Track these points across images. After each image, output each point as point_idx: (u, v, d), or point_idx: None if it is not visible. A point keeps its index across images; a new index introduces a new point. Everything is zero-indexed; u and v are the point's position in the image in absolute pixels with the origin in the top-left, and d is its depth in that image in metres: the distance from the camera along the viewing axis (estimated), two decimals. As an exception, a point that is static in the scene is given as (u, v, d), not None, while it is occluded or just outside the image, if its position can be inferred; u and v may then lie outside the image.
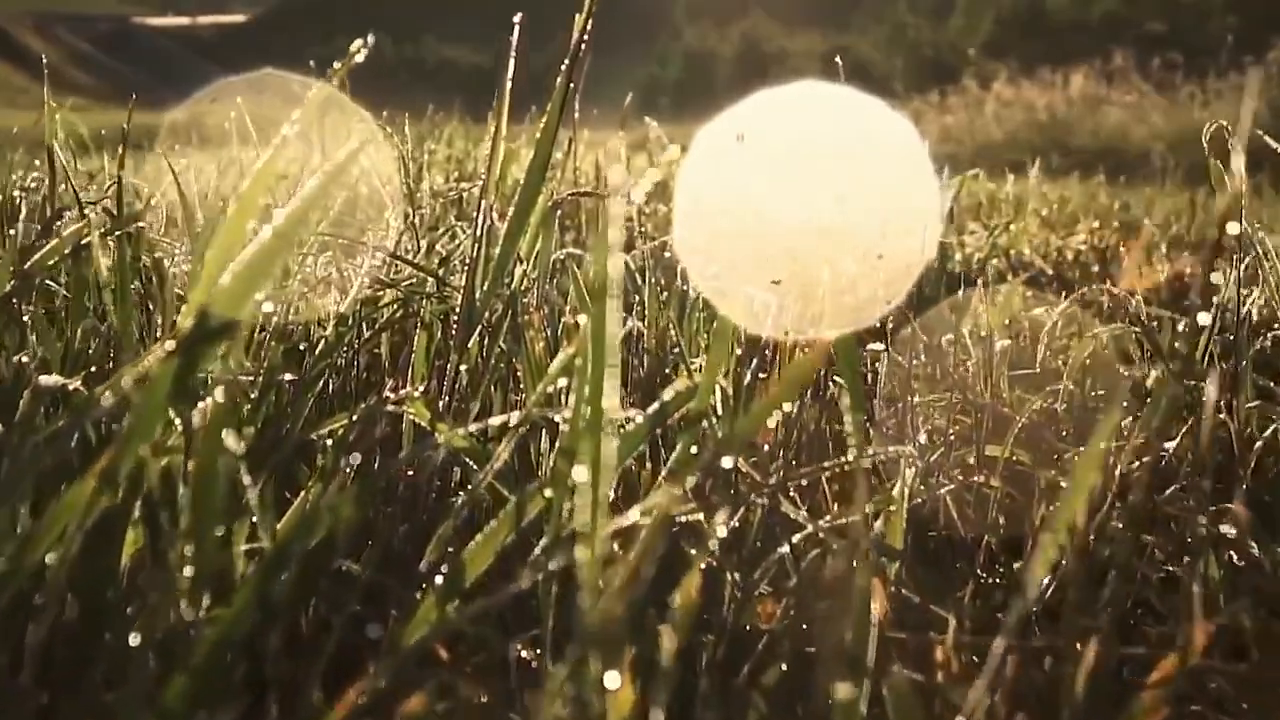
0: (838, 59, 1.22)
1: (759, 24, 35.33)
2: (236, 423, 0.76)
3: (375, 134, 1.89)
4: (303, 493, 0.60)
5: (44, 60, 1.35)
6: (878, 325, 1.39)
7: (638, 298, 1.10)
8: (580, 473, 0.41)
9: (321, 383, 0.93)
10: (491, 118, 0.76)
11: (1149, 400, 0.94)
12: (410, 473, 0.75)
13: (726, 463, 0.50)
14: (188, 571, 0.45)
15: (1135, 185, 6.40)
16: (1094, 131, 13.69)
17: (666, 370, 1.04)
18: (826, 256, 1.26)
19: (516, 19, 0.71)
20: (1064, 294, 2.05)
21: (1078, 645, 0.48)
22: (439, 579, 0.52)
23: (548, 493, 0.53)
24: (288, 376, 0.73)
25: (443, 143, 3.55)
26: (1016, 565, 0.84)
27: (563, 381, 0.59)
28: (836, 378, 1.14)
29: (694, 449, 0.52)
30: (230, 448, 0.48)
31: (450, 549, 0.67)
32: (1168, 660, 0.50)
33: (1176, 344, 1.56)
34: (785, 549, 0.62)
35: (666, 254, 1.44)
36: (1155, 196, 4.63)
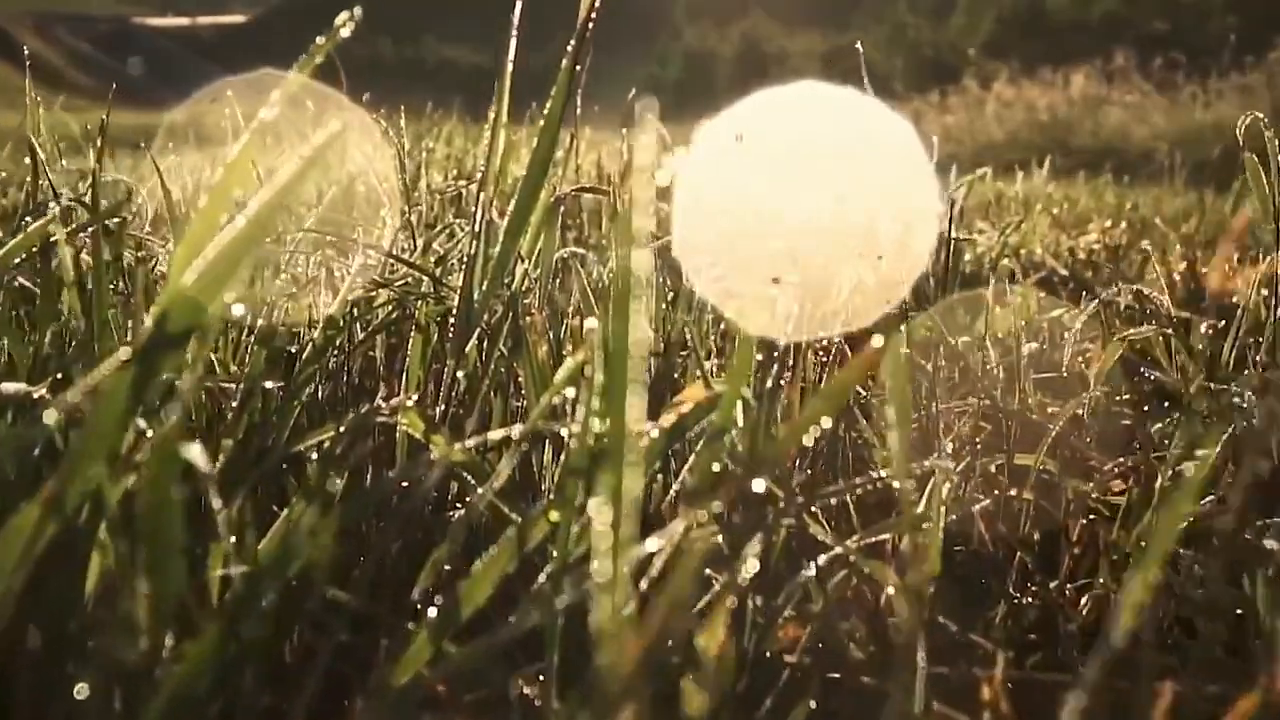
0: (858, 46, 1.16)
1: (759, 24, 35.25)
2: (214, 436, 0.70)
3: (371, 129, 1.84)
4: (284, 513, 0.55)
5: (25, 50, 1.30)
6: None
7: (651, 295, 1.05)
8: (598, 508, 0.35)
9: (310, 390, 0.88)
10: (492, 109, 0.71)
11: (1187, 410, 0.89)
12: (405, 484, 0.70)
13: (757, 486, 0.45)
14: (149, 605, 0.40)
15: (1139, 185, 6.35)
16: (1094, 132, 13.65)
17: (675, 375, 0.99)
18: (837, 257, 1.22)
19: (518, 2, 0.66)
20: (1083, 294, 2.00)
21: (1155, 686, 0.43)
22: (433, 611, 0.47)
23: (553, 515, 0.48)
24: (269, 384, 0.67)
25: (441, 141, 3.50)
26: (1053, 584, 0.79)
27: (569, 391, 0.54)
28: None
29: (715, 466, 0.47)
30: (198, 465, 0.43)
31: (448, 566, 0.62)
32: (1247, 699, 0.45)
33: (1200, 346, 1.51)
34: (811, 571, 0.57)
35: (673, 254, 1.39)
36: (1163, 196, 4.58)
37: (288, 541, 0.51)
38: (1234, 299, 2.07)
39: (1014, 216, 2.97)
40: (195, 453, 0.43)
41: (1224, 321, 1.50)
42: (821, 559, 0.59)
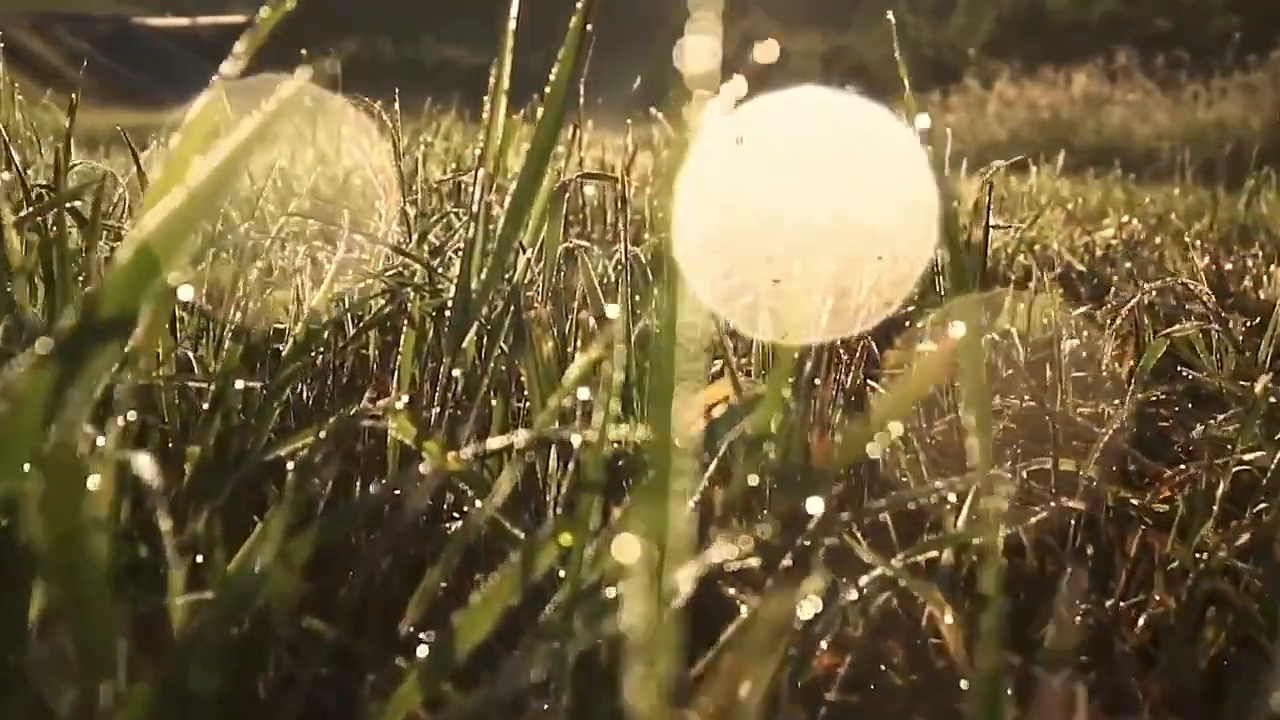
0: (897, 20, 1.09)
1: (759, 24, 35.15)
2: (189, 440, 0.64)
3: (369, 126, 1.78)
4: (253, 532, 0.48)
5: (1, 43, 1.24)
6: (908, 325, 1.27)
7: (655, 293, 0.98)
8: (632, 549, 0.28)
9: (296, 391, 0.81)
10: (492, 71, 0.64)
11: (1251, 410, 0.83)
12: (397, 494, 0.64)
13: (814, 506, 0.39)
14: (76, 650, 0.33)
15: (1145, 183, 6.28)
16: (1097, 130, 13.59)
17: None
18: (847, 256, 1.16)
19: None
20: (1110, 289, 1.93)
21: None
22: (425, 649, 0.40)
23: (564, 538, 0.41)
24: (247, 383, 0.61)
25: (440, 137, 3.43)
26: (1108, 603, 0.72)
27: (583, 393, 0.48)
28: (872, 383, 1.03)
29: (753, 479, 0.41)
30: (145, 479, 0.36)
31: (443, 584, 0.56)
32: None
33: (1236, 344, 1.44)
34: (853, 595, 0.51)
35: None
36: (1174, 193, 4.52)
37: (255, 566, 0.44)
38: (1261, 296, 2.01)
39: (1026, 212, 2.90)
40: (142, 463, 0.37)
41: (1259, 319, 1.43)
42: (863, 580, 0.52)
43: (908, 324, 1.26)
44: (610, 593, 0.41)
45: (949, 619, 0.48)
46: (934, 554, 0.64)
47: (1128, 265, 2.13)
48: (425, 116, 3.67)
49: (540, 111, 0.59)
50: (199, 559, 0.52)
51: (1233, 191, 4.71)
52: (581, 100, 1.64)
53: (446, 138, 3.42)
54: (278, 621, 0.45)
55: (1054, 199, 3.55)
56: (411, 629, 0.52)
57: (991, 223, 2.67)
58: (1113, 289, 1.81)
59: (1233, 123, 12.13)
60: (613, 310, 0.42)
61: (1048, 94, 15.57)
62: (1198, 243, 2.41)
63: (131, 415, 0.43)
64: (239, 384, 0.60)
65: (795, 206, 1.26)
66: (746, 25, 34.77)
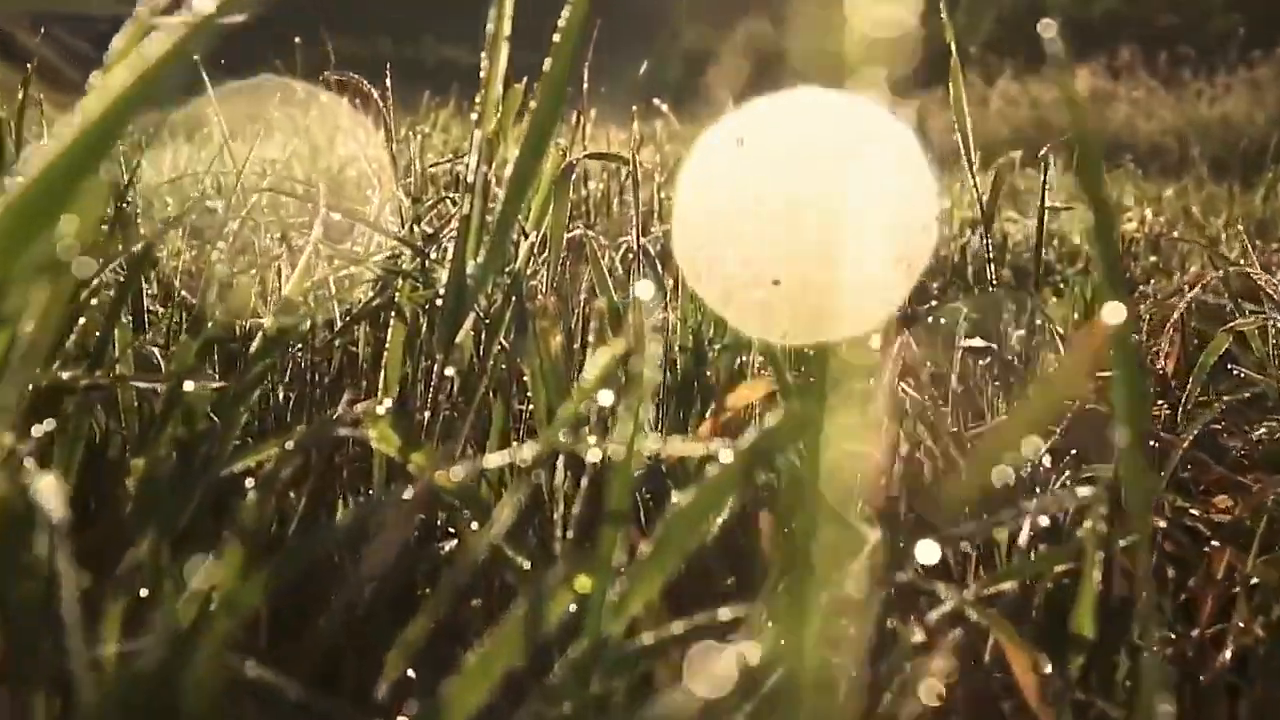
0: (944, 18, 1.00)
1: (759, 24, 35.08)
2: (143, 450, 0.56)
3: (363, 121, 1.70)
4: (207, 565, 0.40)
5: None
6: (930, 320, 1.19)
7: (670, 284, 0.89)
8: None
9: (271, 392, 0.73)
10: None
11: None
12: (386, 510, 0.56)
13: (927, 555, 0.30)
14: None
15: (1152, 178, 6.21)
16: (1101, 127, 13.54)
17: (707, 373, 0.84)
18: (863, 256, 1.08)
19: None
20: (1135, 285, 1.85)
21: None
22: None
23: (581, 583, 0.33)
24: (209, 385, 0.53)
25: (438, 129, 3.35)
26: (1194, 633, 0.64)
27: (604, 397, 0.39)
28: (903, 385, 0.95)
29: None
30: (46, 510, 0.28)
31: (433, 617, 0.48)
32: None
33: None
34: (919, 635, 0.43)
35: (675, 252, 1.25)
36: (1188, 189, 4.44)
37: (209, 606, 0.36)
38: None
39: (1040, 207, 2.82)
40: (44, 485, 0.29)
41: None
42: (932, 615, 0.44)
43: (929, 320, 1.18)
44: (635, 645, 0.33)
45: (1031, 667, 0.40)
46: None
47: (1153, 259, 2.06)
48: (423, 109, 3.59)
49: (546, 71, 0.51)
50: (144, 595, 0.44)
51: (1245, 186, 4.63)
52: (585, 87, 1.58)
53: (445, 130, 3.34)
54: (228, 674, 0.37)
55: (1071, 194, 3.47)
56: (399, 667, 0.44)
57: (1009, 216, 2.59)
58: (1149, 281, 1.73)
59: (1238, 119, 12.07)
60: (645, 289, 0.34)
61: (1050, 91, 15.50)
62: (1232, 238, 2.33)
63: (49, 425, 0.35)
64: (203, 386, 0.51)
65: (796, 207, 1.18)
66: (747, 25, 34.70)
